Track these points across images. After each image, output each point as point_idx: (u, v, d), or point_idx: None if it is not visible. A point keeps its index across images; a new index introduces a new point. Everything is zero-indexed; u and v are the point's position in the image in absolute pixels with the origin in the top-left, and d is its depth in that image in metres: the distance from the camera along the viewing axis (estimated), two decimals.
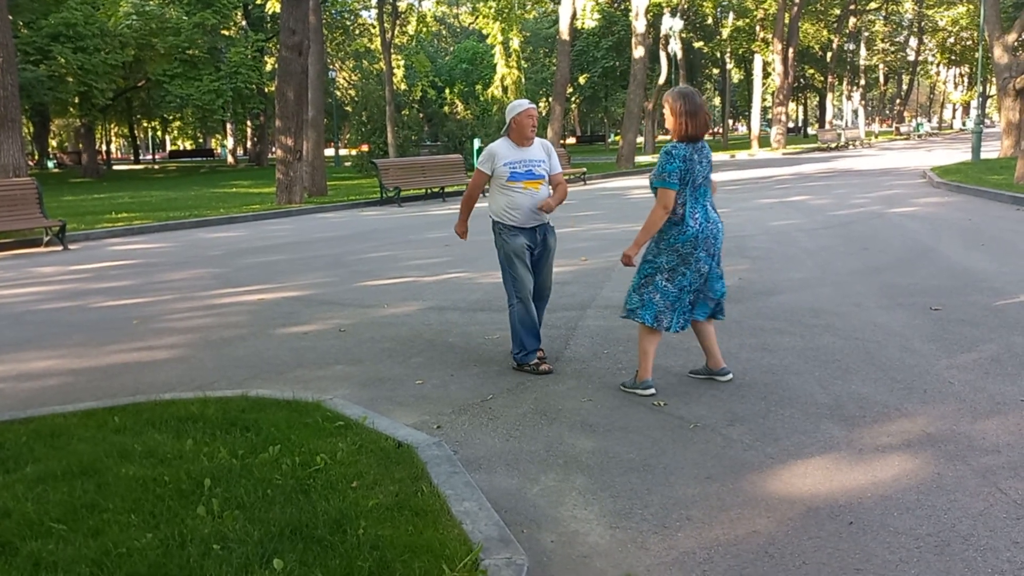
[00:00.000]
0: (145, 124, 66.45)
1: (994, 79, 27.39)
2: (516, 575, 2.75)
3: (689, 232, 4.62)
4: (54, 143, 66.23)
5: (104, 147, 61.61)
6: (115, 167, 56.85)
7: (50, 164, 53.61)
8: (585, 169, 26.17)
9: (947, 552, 2.96)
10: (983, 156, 25.27)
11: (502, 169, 5.37)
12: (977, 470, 3.62)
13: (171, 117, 54.32)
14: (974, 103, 44.78)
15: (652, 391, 4.79)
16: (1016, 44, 25.52)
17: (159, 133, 79.51)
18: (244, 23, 45.49)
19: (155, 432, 4.10)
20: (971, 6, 52.33)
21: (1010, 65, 24.43)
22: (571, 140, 72.44)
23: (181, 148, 79.80)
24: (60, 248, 13.34)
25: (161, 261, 11.46)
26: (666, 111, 4.66)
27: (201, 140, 77.28)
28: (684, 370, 5.25)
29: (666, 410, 4.55)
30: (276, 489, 3.37)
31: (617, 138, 51.07)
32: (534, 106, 5.48)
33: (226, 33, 43.85)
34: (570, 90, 46.49)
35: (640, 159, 35.81)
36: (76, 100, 37.10)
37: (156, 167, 57.48)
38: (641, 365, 4.84)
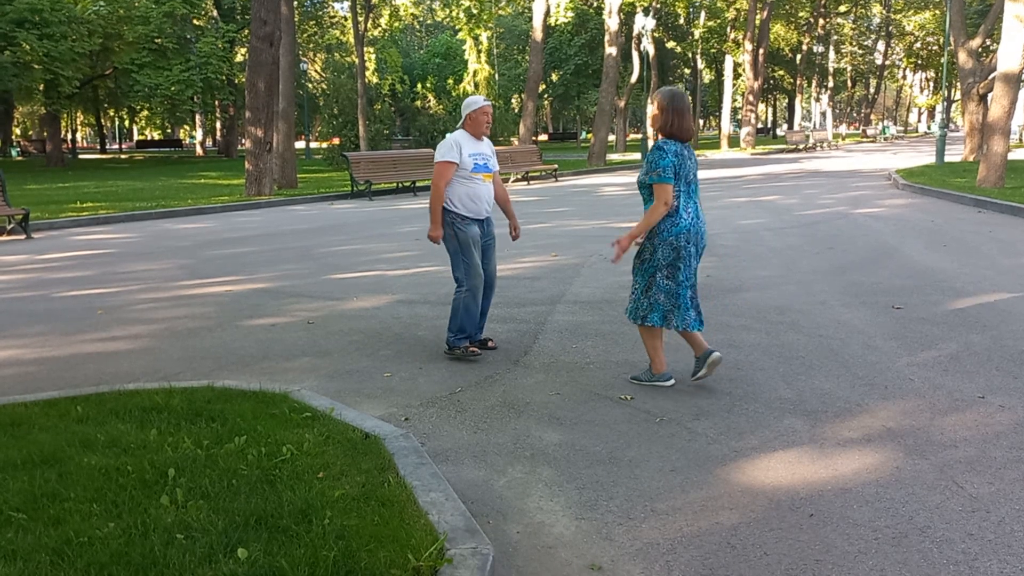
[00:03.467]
0: (112, 113, 65.36)
1: (958, 84, 27.85)
2: (482, 565, 2.76)
3: (682, 224, 4.65)
4: (18, 131, 64.98)
5: (70, 136, 60.58)
6: (81, 156, 55.93)
7: (13, 152, 52.59)
8: (557, 166, 26.22)
9: (904, 544, 3.03)
10: (947, 159, 25.74)
11: (467, 159, 5.46)
12: (935, 464, 3.70)
13: (139, 107, 53.49)
14: (939, 107, 45.49)
15: (672, 381, 4.88)
16: (980, 50, 25.98)
17: (126, 123, 78.29)
18: (215, 13, 44.94)
19: (118, 422, 4.06)
20: (937, 11, 53.20)
21: (974, 70, 24.87)
22: (543, 137, 72.46)
23: (148, 138, 78.67)
24: (23, 237, 13.12)
25: (127, 251, 11.31)
26: (654, 108, 4.71)
27: (169, 130, 76.20)
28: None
29: (633, 404, 4.59)
30: (241, 479, 3.35)
31: (589, 136, 51.22)
32: (490, 103, 5.60)
33: (197, 23, 43.29)
34: (542, 87, 46.50)
35: (611, 157, 35.98)
36: (41, 87, 36.40)
37: (123, 157, 56.62)
38: (653, 360, 4.89)
